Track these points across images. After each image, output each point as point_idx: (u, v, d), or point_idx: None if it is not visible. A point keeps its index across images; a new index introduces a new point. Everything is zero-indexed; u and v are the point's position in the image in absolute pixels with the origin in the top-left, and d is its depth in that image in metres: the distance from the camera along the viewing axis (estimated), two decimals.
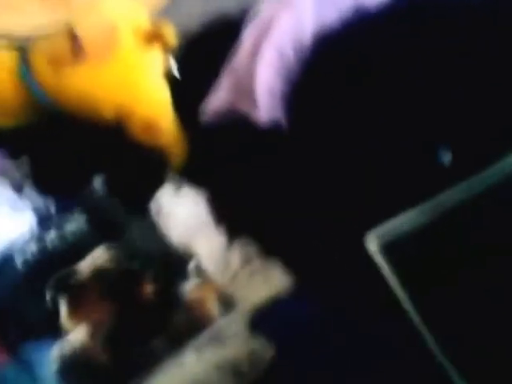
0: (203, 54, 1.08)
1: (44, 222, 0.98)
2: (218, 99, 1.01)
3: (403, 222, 0.86)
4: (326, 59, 0.98)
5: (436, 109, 0.91)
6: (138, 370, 0.82)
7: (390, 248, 0.85)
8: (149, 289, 0.89)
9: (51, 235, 0.95)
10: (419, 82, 0.92)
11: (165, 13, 1.19)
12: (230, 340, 0.85)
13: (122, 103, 1.00)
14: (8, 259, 0.94)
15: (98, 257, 0.92)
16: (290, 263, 0.92)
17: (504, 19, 0.94)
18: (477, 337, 0.82)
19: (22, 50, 1.03)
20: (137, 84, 1.01)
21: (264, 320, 0.88)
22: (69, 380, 0.83)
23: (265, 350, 0.84)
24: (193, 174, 1.00)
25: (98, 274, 0.91)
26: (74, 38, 0.98)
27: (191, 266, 0.92)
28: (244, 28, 1.04)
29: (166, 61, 1.04)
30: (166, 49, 1.03)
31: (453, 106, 0.90)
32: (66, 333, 0.87)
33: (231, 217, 0.97)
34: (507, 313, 0.81)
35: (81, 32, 0.98)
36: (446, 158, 0.90)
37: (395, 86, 0.93)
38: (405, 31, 0.96)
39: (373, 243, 0.85)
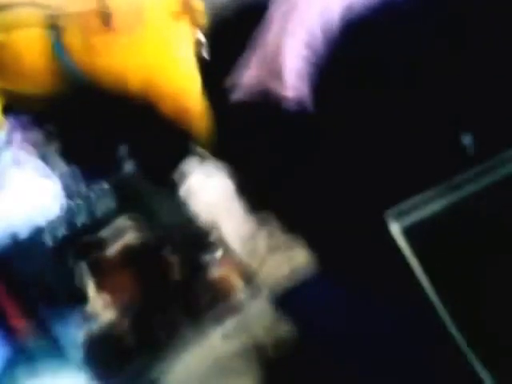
0: (231, 30, 1.06)
1: (71, 193, 0.97)
2: (245, 76, 1.00)
3: (424, 203, 0.87)
4: (353, 41, 0.97)
5: (460, 92, 0.91)
6: (163, 346, 0.84)
7: (411, 229, 0.87)
8: (174, 263, 0.90)
9: (78, 207, 0.95)
10: (445, 66, 0.92)
11: None
12: (254, 322, 0.87)
13: (150, 76, 1.01)
14: (36, 232, 0.94)
15: (124, 231, 0.92)
16: (314, 243, 0.93)
17: None
18: (495, 320, 0.83)
19: (54, 22, 1.02)
20: (165, 58, 1.01)
21: (288, 300, 0.89)
22: (95, 356, 0.84)
23: (288, 332, 0.85)
24: (219, 150, 1.00)
25: (124, 248, 0.91)
26: (104, 11, 0.98)
27: (219, 250, 0.92)
28: (272, 6, 1.02)
29: (196, 37, 1.04)
30: (195, 24, 1.03)
31: (477, 89, 0.90)
32: (95, 314, 0.87)
33: (256, 195, 0.97)
34: None
35: (111, 5, 0.98)
36: (469, 141, 0.90)
37: (421, 69, 0.93)
38: (431, 16, 0.94)
39: (394, 224, 0.87)
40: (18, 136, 1.03)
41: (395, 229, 0.86)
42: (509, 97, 0.89)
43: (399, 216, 0.87)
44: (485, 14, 0.92)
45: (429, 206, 0.86)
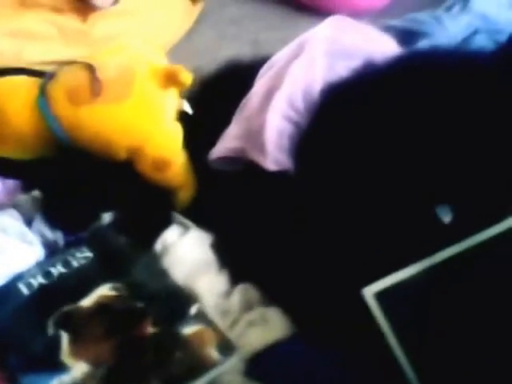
0: (216, 96, 1.11)
1: (51, 254, 0.99)
2: (228, 143, 1.04)
3: (400, 275, 0.88)
4: (334, 110, 1.00)
5: (438, 166, 0.92)
6: None
7: (386, 300, 0.87)
8: (150, 328, 0.90)
9: (58, 268, 0.96)
10: (423, 137, 0.93)
11: (179, 55, 1.23)
12: (226, 382, 0.86)
13: (135, 142, 1.04)
14: (14, 289, 0.95)
15: (101, 293, 0.93)
16: (290, 311, 0.93)
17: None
18: None
19: (42, 81, 1.06)
20: (151, 124, 1.04)
21: (261, 365, 0.89)
22: None
23: None
24: (199, 215, 1.02)
25: (101, 310, 0.92)
26: (92, 76, 1.01)
27: (193, 308, 0.92)
28: (256, 73, 1.08)
29: (180, 102, 1.08)
30: (181, 91, 1.07)
31: (455, 164, 0.92)
32: (66, 367, 0.87)
33: (234, 261, 0.98)
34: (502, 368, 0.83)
35: (99, 70, 1.02)
36: (447, 216, 0.91)
37: (400, 139, 0.94)
38: (411, 85, 0.98)
39: (369, 295, 0.88)
40: (3, 200, 1.05)
41: (368, 293, 0.87)
42: (485, 168, 0.91)
43: (375, 286, 0.88)
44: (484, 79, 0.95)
45: (403, 271, 0.88)
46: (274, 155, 0.99)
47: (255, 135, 1.01)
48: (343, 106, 1.00)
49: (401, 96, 0.96)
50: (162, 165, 1.04)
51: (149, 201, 1.04)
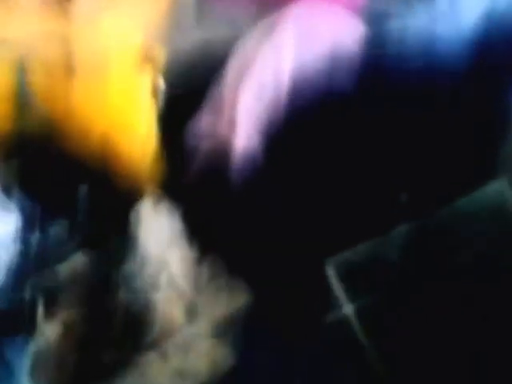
0: (192, 79, 1.13)
1: (29, 224, 1.01)
2: (201, 122, 1.07)
3: (361, 251, 0.94)
4: (303, 100, 1.05)
5: (395, 152, 0.99)
6: (105, 373, 0.88)
7: (347, 274, 0.93)
8: (122, 296, 0.94)
9: (35, 237, 0.99)
10: (384, 129, 1.01)
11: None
12: (193, 349, 0.91)
13: (110, 125, 1.05)
14: None
15: (77, 262, 0.97)
16: (252, 282, 0.99)
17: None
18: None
19: (21, 62, 1.08)
20: (126, 107, 1.06)
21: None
22: (40, 375, 0.87)
23: (226, 358, 0.90)
24: (171, 189, 1.06)
25: (75, 278, 0.96)
26: (68, 53, 1.04)
27: (163, 277, 0.97)
28: (230, 58, 1.10)
29: (155, 84, 1.09)
30: (155, 71, 1.08)
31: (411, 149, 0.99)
32: (42, 331, 0.91)
33: (202, 234, 1.03)
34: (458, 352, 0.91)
35: (76, 47, 1.04)
36: (403, 196, 0.98)
37: (363, 129, 1.01)
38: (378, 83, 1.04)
39: (331, 270, 0.93)
40: None
41: (331, 272, 0.94)
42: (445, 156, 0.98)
43: (336, 261, 0.95)
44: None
45: (364, 252, 0.94)
46: (244, 134, 1.04)
47: (227, 114, 1.05)
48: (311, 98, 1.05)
49: (365, 93, 1.04)
50: (133, 145, 1.05)
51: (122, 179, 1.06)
